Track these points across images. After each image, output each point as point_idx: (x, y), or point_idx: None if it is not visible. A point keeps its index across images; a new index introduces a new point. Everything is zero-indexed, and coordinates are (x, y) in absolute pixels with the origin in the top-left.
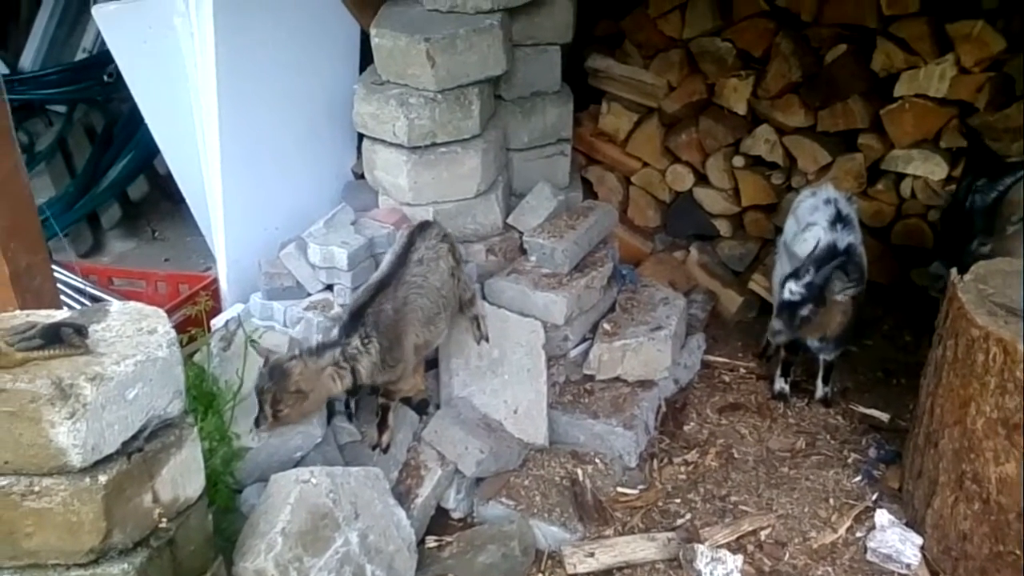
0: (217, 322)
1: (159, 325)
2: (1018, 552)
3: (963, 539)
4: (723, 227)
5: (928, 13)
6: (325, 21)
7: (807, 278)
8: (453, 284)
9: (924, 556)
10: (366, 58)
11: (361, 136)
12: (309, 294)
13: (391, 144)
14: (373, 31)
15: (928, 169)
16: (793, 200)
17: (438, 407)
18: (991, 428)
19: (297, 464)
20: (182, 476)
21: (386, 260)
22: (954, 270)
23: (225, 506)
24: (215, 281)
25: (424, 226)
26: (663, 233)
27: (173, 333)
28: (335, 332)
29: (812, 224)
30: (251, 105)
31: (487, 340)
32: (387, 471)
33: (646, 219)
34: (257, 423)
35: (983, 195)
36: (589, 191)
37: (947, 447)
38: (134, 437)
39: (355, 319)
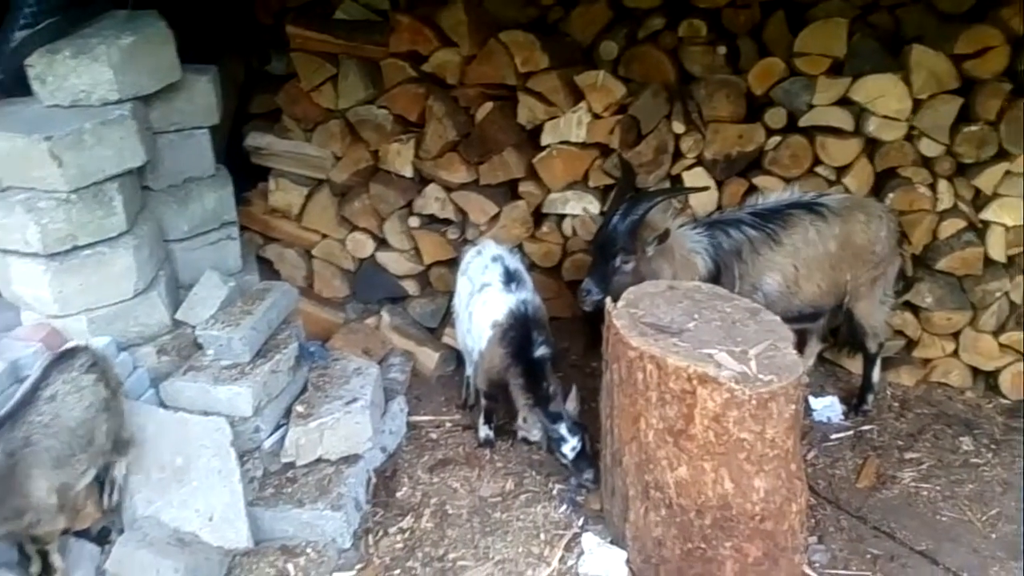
0: None
1: None
2: (703, 546)
3: (658, 545)
4: (411, 287)
5: (558, 67)
6: None
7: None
8: (105, 418)
9: (629, 568)
10: None
11: None
12: None
13: (25, 254)
14: None
15: (581, 207)
16: (463, 256)
17: (121, 531)
18: (660, 438)
19: None
20: None
21: (14, 396)
22: (609, 301)
23: None
24: None
25: (68, 354)
26: (354, 301)
27: None
28: None
29: (487, 285)
30: None
31: (111, 510)
32: None
33: (333, 290)
34: None
35: (624, 219)
36: (270, 270)
37: (630, 462)
38: None
39: None
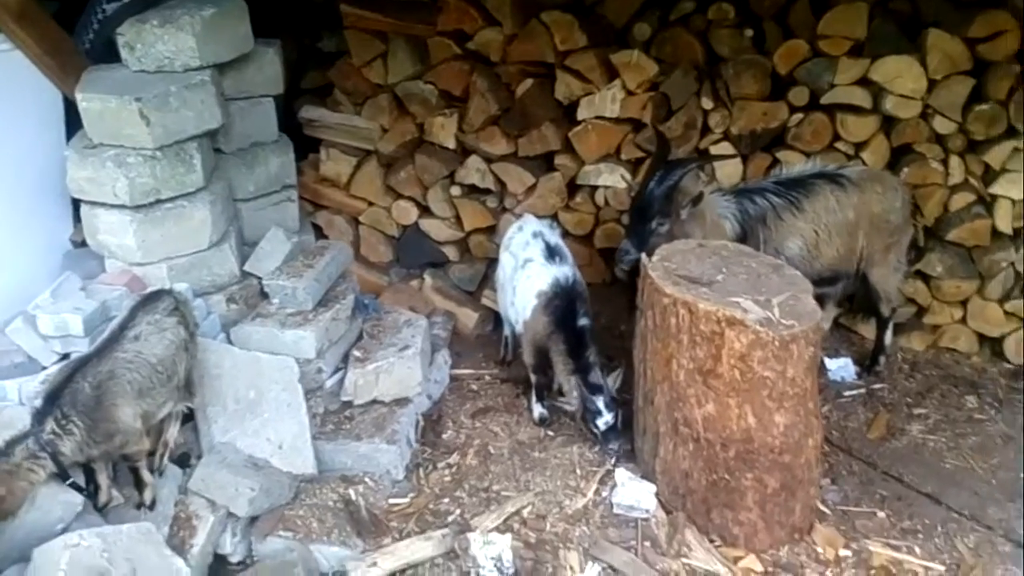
0: None
1: None
2: (727, 477)
3: (686, 477)
4: (451, 253)
5: (595, 46)
6: (23, 90)
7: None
8: (184, 358)
9: (659, 500)
10: (71, 125)
11: (77, 203)
12: (44, 367)
13: (113, 206)
14: (80, 96)
15: (614, 179)
16: (504, 231)
17: (200, 457)
18: (690, 377)
19: None
20: None
21: (103, 334)
22: (644, 255)
23: None
24: None
25: (153, 297)
26: (397, 266)
27: None
28: (27, 422)
29: (530, 260)
30: None
31: (160, 473)
32: (157, 527)
33: (379, 255)
34: None
35: (660, 185)
36: (320, 235)
37: (661, 401)
38: None
39: (50, 402)
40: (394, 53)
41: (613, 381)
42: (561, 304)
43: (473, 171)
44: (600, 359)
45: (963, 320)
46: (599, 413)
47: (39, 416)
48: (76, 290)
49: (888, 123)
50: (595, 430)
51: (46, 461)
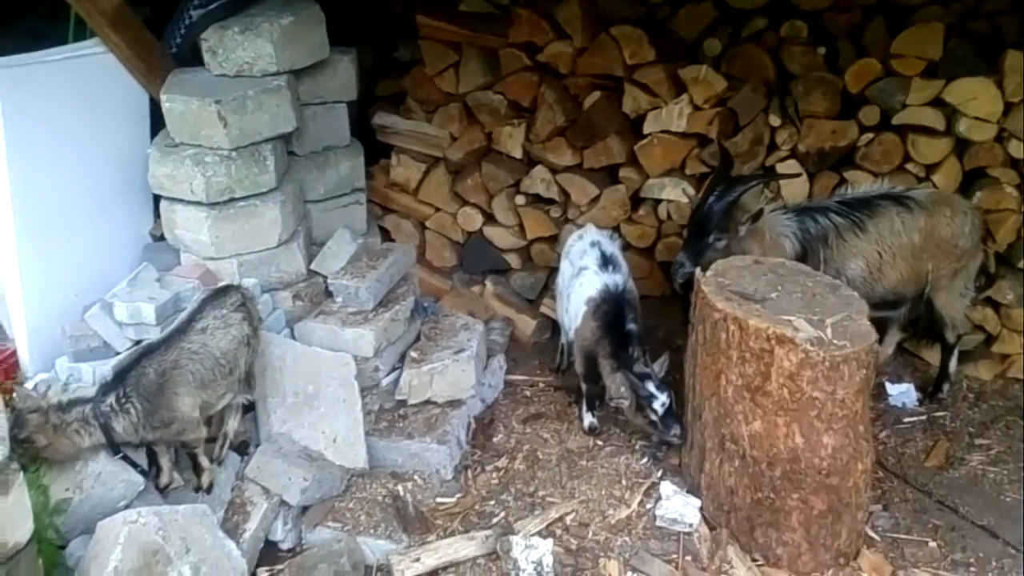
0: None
1: None
2: (772, 496)
3: (731, 494)
4: (513, 260)
5: (663, 61)
6: (113, 91)
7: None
8: (246, 352)
9: (703, 515)
10: (156, 124)
11: (158, 199)
12: (117, 352)
13: (190, 202)
14: (164, 97)
15: (677, 194)
16: (566, 240)
17: (257, 446)
18: (738, 394)
19: None
20: (11, 521)
21: (172, 324)
22: (698, 270)
23: (51, 562)
24: (14, 354)
25: (221, 292)
26: (460, 271)
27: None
28: (93, 389)
29: (584, 268)
30: (43, 178)
31: (219, 463)
32: (213, 510)
33: (443, 260)
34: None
35: (719, 200)
36: (387, 238)
37: (709, 417)
38: None
39: (118, 380)
40: (466, 63)
41: (660, 367)
42: (609, 310)
43: (538, 181)
44: (645, 353)
45: None
46: (653, 397)
47: (104, 389)
48: (152, 281)
49: (961, 146)
50: (653, 417)
51: (95, 430)
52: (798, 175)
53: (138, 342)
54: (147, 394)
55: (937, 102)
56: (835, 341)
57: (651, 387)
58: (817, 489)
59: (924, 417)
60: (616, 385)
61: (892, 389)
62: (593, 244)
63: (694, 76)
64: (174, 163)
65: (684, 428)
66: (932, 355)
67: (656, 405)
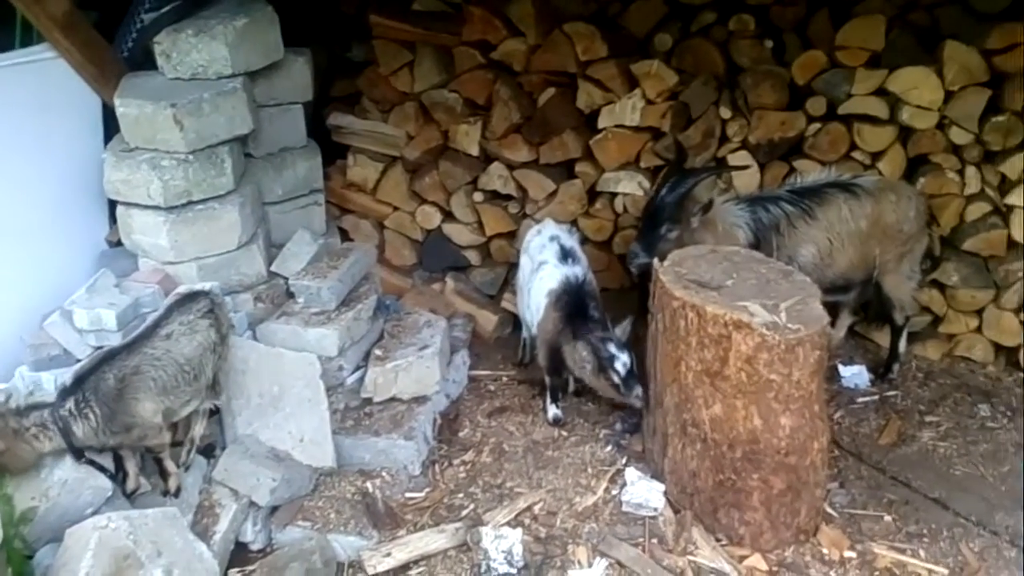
0: None
1: None
2: (734, 477)
3: (693, 477)
4: (473, 257)
5: (616, 56)
6: (65, 96)
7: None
8: (213, 359)
9: (667, 499)
10: (108, 130)
11: (113, 205)
12: (78, 360)
13: (147, 207)
14: (118, 101)
15: (633, 187)
16: (524, 236)
17: (223, 448)
18: (698, 379)
19: None
20: None
21: (137, 329)
22: (656, 260)
23: (18, 572)
24: None
25: (189, 298)
26: (420, 270)
27: None
28: (53, 394)
29: (544, 263)
30: None
31: (186, 468)
32: (182, 514)
33: (403, 258)
34: None
35: (672, 192)
36: (346, 239)
37: (670, 403)
38: None
39: (77, 384)
40: (420, 62)
41: (622, 332)
42: (571, 300)
43: (495, 177)
44: (606, 327)
45: (978, 330)
46: (614, 357)
47: (63, 393)
48: (111, 287)
49: (905, 133)
50: (615, 379)
51: (54, 435)
52: (747, 167)
53: (99, 348)
54: (106, 399)
55: (881, 92)
56: (789, 325)
57: (612, 348)
58: (776, 469)
59: (876, 397)
60: (577, 351)
61: (844, 371)
62: (552, 238)
63: (646, 71)
64: (130, 168)
65: (647, 391)
66: (882, 337)
67: (618, 365)
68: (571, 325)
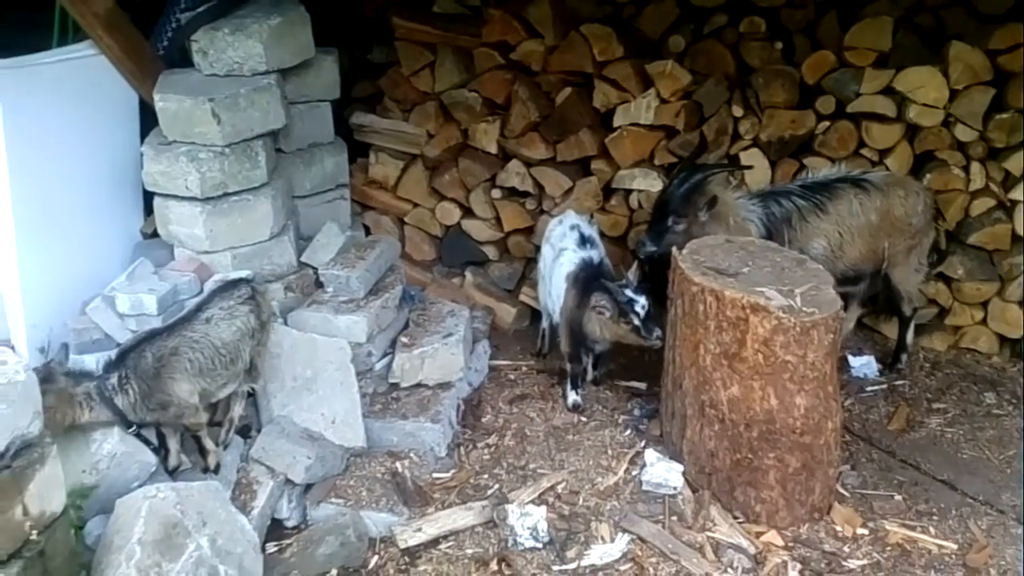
0: None
1: (6, 357)
2: (750, 456)
3: (711, 457)
4: (491, 252)
5: (631, 57)
6: (105, 92)
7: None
8: (251, 344)
9: (686, 478)
10: (144, 124)
11: (148, 197)
12: (118, 344)
13: (184, 198)
14: (157, 96)
15: (647, 184)
16: (545, 227)
17: (259, 429)
18: (716, 361)
19: None
20: (47, 491)
21: (179, 313)
22: (675, 249)
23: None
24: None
25: (231, 285)
26: (440, 264)
27: (26, 358)
28: (101, 366)
29: (564, 249)
30: (39, 178)
31: (225, 446)
32: None
33: (423, 253)
34: None
35: (680, 185)
36: (368, 235)
37: (689, 385)
38: (1, 455)
39: (119, 360)
40: (441, 63)
41: (632, 275)
42: (588, 277)
43: (513, 175)
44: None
45: (983, 321)
46: (633, 300)
47: (108, 367)
48: (149, 275)
49: (912, 131)
50: (636, 322)
51: (98, 405)
52: (750, 167)
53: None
54: (144, 376)
55: (888, 91)
56: (804, 308)
57: (630, 292)
58: (792, 448)
59: (885, 386)
60: (596, 300)
61: (854, 361)
62: (572, 227)
63: (660, 71)
64: (168, 160)
65: (664, 332)
66: (890, 329)
67: (637, 308)
68: (589, 298)
